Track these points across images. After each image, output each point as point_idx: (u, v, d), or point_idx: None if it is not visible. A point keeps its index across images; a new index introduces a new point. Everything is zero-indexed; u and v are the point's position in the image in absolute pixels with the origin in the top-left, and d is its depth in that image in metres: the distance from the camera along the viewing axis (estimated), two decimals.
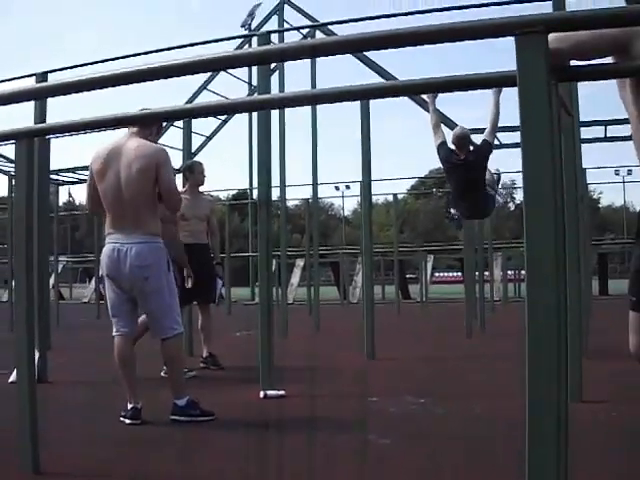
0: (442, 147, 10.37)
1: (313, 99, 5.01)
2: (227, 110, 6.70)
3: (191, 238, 9.69)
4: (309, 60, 17.29)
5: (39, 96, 7.08)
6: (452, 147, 10.46)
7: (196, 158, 17.51)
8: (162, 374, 8.33)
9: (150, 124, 6.60)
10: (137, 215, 6.29)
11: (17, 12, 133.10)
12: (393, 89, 4.10)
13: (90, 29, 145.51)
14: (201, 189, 10.12)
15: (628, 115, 3.52)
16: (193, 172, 9.97)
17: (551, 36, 2.98)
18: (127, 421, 6.20)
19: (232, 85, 18.31)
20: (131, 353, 6.44)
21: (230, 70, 17.28)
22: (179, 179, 9.46)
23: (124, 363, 6.39)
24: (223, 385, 8.50)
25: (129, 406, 6.27)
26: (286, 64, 16.38)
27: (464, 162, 10.18)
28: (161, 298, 6.38)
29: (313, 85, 17.34)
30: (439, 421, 6.33)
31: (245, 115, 20.15)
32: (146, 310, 6.48)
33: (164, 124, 17.50)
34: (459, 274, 47.16)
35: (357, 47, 4.19)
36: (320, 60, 17.15)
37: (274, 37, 14.96)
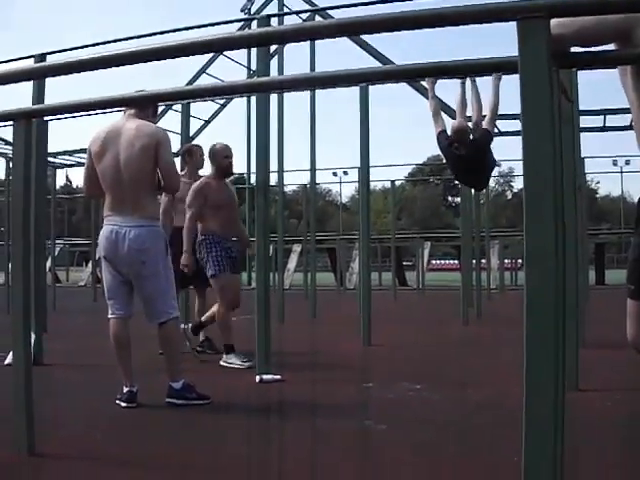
0: (442, 136, 10.37)
1: (312, 82, 4.99)
2: (225, 92, 6.66)
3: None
4: (308, 46, 17.28)
5: (37, 76, 7.05)
6: (451, 136, 10.47)
7: (194, 142, 17.55)
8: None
9: (146, 106, 6.58)
10: (136, 197, 6.26)
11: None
12: (392, 73, 4.08)
13: (90, 21, 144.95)
14: (201, 173, 10.09)
15: (629, 102, 3.51)
16: (192, 155, 9.93)
17: (553, 21, 2.97)
18: (123, 404, 6.19)
19: (231, 69, 18.31)
20: (127, 336, 6.42)
21: (229, 54, 17.31)
22: (178, 162, 9.40)
23: (120, 346, 6.38)
24: (219, 369, 8.49)
25: (124, 389, 6.26)
26: (285, 50, 16.39)
27: (464, 155, 10.21)
28: (157, 282, 6.36)
29: (312, 70, 17.31)
30: (435, 407, 6.33)
31: (243, 100, 20.14)
32: (142, 294, 6.42)
33: (162, 108, 17.54)
34: (456, 262, 47.23)
35: (356, 30, 4.16)
36: (319, 46, 17.16)
37: (274, 21, 14.95)
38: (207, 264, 8.85)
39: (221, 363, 8.60)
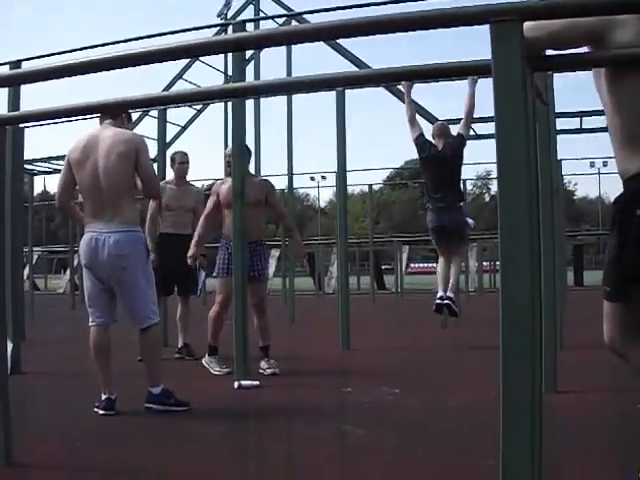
0: (420, 139, 10.50)
1: (288, 87, 5.00)
2: (201, 98, 6.65)
3: (173, 228, 9.83)
4: (284, 52, 17.28)
5: (12, 82, 7.02)
6: (429, 139, 10.57)
7: (171, 148, 17.48)
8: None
9: (118, 113, 6.60)
10: (115, 203, 6.30)
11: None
12: (367, 78, 4.09)
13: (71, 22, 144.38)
14: (189, 179, 10.16)
15: (603, 105, 3.53)
16: (174, 162, 10.00)
17: (527, 24, 2.97)
18: (101, 412, 6.17)
19: (208, 75, 18.28)
20: (107, 343, 6.42)
21: (205, 60, 17.28)
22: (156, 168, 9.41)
23: (99, 353, 6.37)
24: (198, 375, 8.47)
25: (103, 397, 6.24)
26: (261, 56, 16.39)
27: (441, 154, 10.36)
28: (138, 288, 6.38)
29: (289, 75, 17.30)
30: (414, 411, 6.34)
31: (220, 105, 20.07)
32: (123, 299, 6.43)
33: (139, 114, 17.51)
34: (434, 265, 47.29)
35: (331, 34, 4.16)
36: (295, 52, 17.18)
37: (249, 26, 14.92)
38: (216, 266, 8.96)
39: (202, 361, 8.63)
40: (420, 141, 10.53)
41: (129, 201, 6.45)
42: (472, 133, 15.20)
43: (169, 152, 11.57)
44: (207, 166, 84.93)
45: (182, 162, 10.11)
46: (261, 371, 8.35)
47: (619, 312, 3.59)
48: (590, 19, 3.28)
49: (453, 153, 10.49)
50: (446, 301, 10.73)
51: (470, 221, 11.55)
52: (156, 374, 6.50)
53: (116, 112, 6.53)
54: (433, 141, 10.71)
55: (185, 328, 10.17)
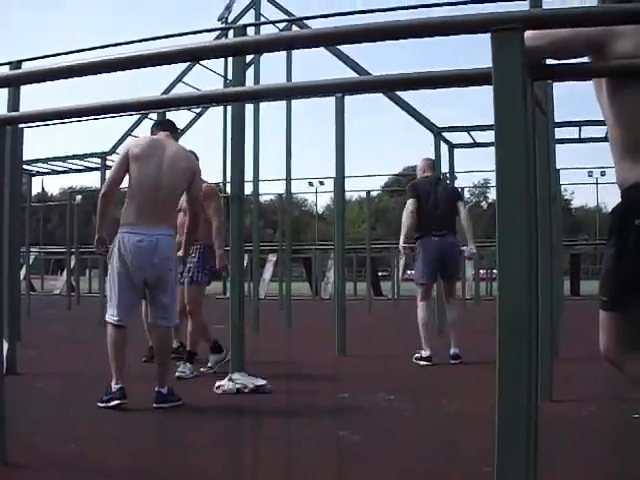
0: (412, 188, 10.39)
1: (287, 92, 5.00)
2: (201, 101, 6.69)
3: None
4: (285, 57, 17.28)
5: (12, 83, 7.02)
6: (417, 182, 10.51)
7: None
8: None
9: (174, 128, 7.31)
10: (168, 209, 6.73)
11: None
12: (368, 84, 4.10)
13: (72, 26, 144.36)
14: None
15: (603, 115, 3.54)
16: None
17: (528, 33, 2.98)
18: (115, 402, 6.31)
19: (207, 78, 18.27)
20: (126, 341, 6.63)
21: (205, 63, 17.27)
22: None
23: (120, 349, 6.56)
24: (194, 378, 8.47)
25: (116, 387, 6.37)
26: (262, 61, 16.34)
27: (434, 179, 10.35)
28: (174, 289, 6.88)
29: (288, 80, 17.29)
30: (409, 418, 6.34)
31: (220, 109, 20.10)
32: (163, 299, 6.70)
33: (138, 116, 17.50)
34: None
35: (332, 40, 4.18)
36: (296, 57, 17.18)
37: (250, 30, 14.93)
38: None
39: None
40: (413, 188, 10.39)
41: (175, 208, 6.98)
42: (470, 141, 15.23)
43: None
44: (205, 169, 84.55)
45: None
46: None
47: (615, 322, 3.60)
48: (591, 29, 3.29)
49: (445, 192, 10.33)
50: (453, 361, 9.80)
51: (470, 249, 10.79)
52: (167, 374, 6.76)
53: (173, 125, 7.25)
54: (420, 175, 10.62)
55: (178, 329, 10.09)
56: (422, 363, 9.72)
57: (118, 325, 6.54)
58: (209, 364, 8.93)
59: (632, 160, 3.38)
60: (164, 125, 7.22)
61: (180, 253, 7.45)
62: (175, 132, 7.28)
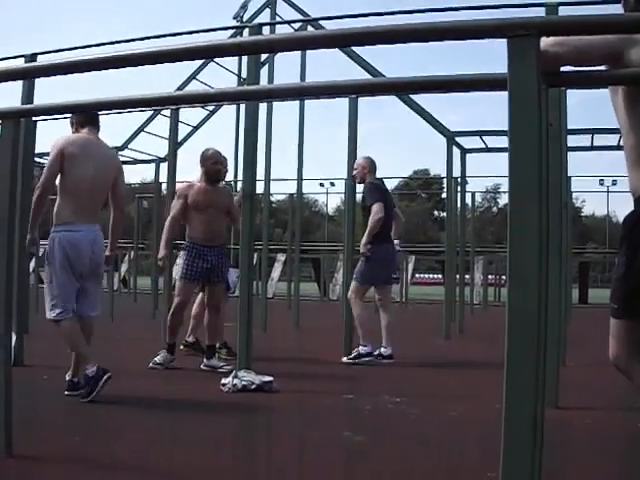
0: (378, 189, 10.40)
1: (301, 92, 5.00)
2: (215, 99, 6.68)
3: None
4: (299, 57, 17.26)
5: (26, 76, 7.03)
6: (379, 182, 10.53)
7: (182, 148, 17.49)
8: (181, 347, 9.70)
9: (98, 126, 7.20)
10: (99, 206, 7.03)
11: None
12: (382, 86, 4.10)
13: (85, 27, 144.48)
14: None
15: (619, 123, 3.54)
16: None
17: (549, 40, 2.99)
18: (101, 382, 6.47)
19: (221, 76, 18.28)
20: (78, 326, 6.86)
21: (220, 61, 17.26)
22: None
23: (77, 336, 6.81)
24: (200, 374, 8.49)
25: (92, 369, 6.52)
26: (276, 60, 16.34)
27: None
28: (101, 281, 7.22)
29: (302, 80, 17.26)
30: (414, 421, 6.33)
31: (233, 107, 20.06)
32: (92, 290, 6.97)
33: (151, 112, 17.51)
34: (439, 276, 47.20)
35: (346, 41, 4.18)
36: (310, 58, 17.14)
37: (265, 30, 14.94)
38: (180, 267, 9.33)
39: (202, 366, 8.84)
40: (378, 189, 10.41)
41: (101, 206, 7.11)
42: (482, 146, 15.21)
43: (180, 151, 11.62)
44: None
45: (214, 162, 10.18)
46: (208, 368, 8.82)
47: (625, 329, 3.60)
48: (610, 37, 3.29)
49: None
50: (387, 360, 9.97)
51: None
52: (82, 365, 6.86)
53: (97, 118, 7.14)
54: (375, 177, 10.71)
55: (199, 326, 10.34)
56: (369, 359, 9.94)
57: (70, 318, 6.74)
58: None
59: None
60: (92, 120, 7.07)
61: (108, 252, 7.53)
62: (98, 124, 7.18)
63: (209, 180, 9.17)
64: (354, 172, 10.51)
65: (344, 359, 9.84)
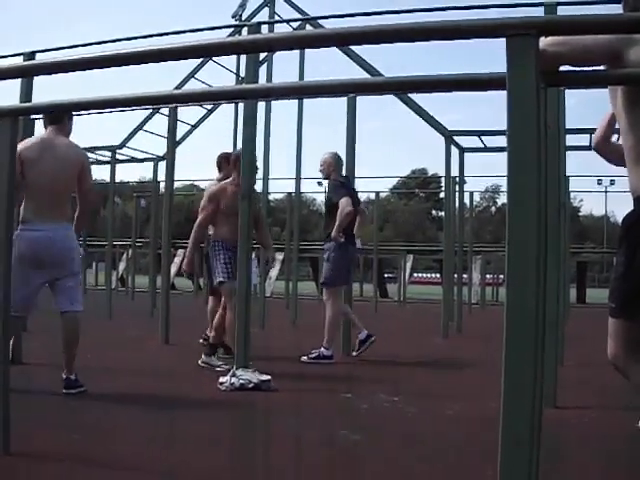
0: (343, 185, 10.36)
1: (300, 91, 5.00)
2: (214, 97, 6.67)
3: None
4: (297, 57, 17.25)
5: (25, 74, 7.02)
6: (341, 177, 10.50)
7: (180, 146, 17.49)
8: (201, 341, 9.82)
9: (65, 122, 7.26)
10: (62, 204, 7.05)
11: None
12: (380, 85, 4.09)
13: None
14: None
15: (618, 123, 3.55)
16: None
17: (548, 39, 3.00)
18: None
19: (220, 75, 18.23)
20: (19, 329, 7.44)
21: (218, 60, 17.25)
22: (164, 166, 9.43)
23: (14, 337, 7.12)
24: (197, 372, 8.49)
25: None
26: (275, 60, 16.34)
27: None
28: (78, 277, 7.18)
29: (301, 79, 17.25)
30: (411, 420, 6.34)
31: (231, 106, 20.05)
32: (66, 283, 6.99)
33: (150, 111, 17.49)
34: (437, 276, 47.23)
35: (345, 41, 4.18)
36: (308, 57, 17.13)
37: (264, 29, 14.95)
38: (215, 270, 8.99)
39: (199, 362, 8.69)
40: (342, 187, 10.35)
41: (69, 204, 7.20)
42: (481, 145, 15.21)
43: (179, 150, 11.63)
44: (214, 166, 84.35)
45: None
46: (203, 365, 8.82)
47: (623, 329, 3.62)
48: (609, 37, 3.31)
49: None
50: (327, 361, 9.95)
51: None
52: (74, 360, 6.98)
53: (61, 117, 7.15)
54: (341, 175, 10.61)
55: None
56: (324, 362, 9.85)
57: (20, 316, 6.89)
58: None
59: None
60: (55, 119, 7.14)
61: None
62: (63, 122, 7.22)
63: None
64: (320, 168, 10.48)
65: (304, 358, 9.77)
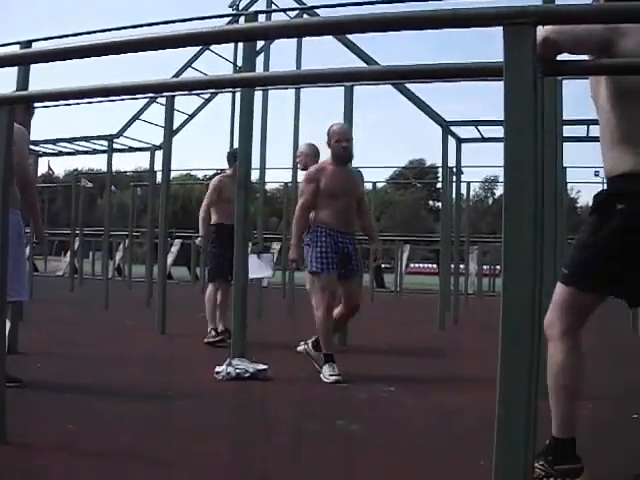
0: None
1: (297, 79, 4.98)
2: (211, 86, 6.64)
3: (230, 219, 9.91)
4: (295, 47, 17.23)
5: (21, 61, 7.01)
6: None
7: (177, 136, 17.49)
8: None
9: (28, 111, 7.33)
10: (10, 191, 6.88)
11: None
12: (378, 74, 4.08)
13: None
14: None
15: (597, 113, 3.67)
16: (235, 159, 10.20)
17: (547, 28, 3.02)
18: None
19: (217, 65, 18.19)
20: None
21: (215, 49, 17.24)
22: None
23: None
24: (193, 362, 8.49)
25: None
26: (272, 50, 16.32)
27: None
28: (25, 265, 7.31)
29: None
30: (408, 409, 6.35)
31: (228, 96, 20.02)
32: (10, 272, 6.81)
33: (147, 100, 17.46)
34: (434, 266, 47.23)
35: (341, 29, 4.17)
36: (306, 47, 17.12)
37: (261, 18, 14.91)
38: (308, 258, 8.20)
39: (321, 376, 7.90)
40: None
41: (16, 190, 6.92)
42: (478, 136, 15.20)
43: (175, 139, 11.65)
44: (211, 155, 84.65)
45: None
46: (324, 379, 7.72)
47: (569, 296, 3.73)
48: (601, 27, 3.36)
49: None
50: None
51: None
52: None
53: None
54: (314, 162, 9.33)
55: (224, 314, 10.44)
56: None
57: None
58: None
59: (622, 151, 3.55)
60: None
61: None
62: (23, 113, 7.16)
63: (337, 162, 8.28)
64: (297, 160, 10.34)
65: (300, 348, 9.39)
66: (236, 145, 8.48)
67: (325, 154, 8.50)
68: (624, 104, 3.60)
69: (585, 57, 3.55)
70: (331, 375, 7.60)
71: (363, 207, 8.60)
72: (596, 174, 33.05)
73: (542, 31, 3.17)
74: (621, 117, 3.62)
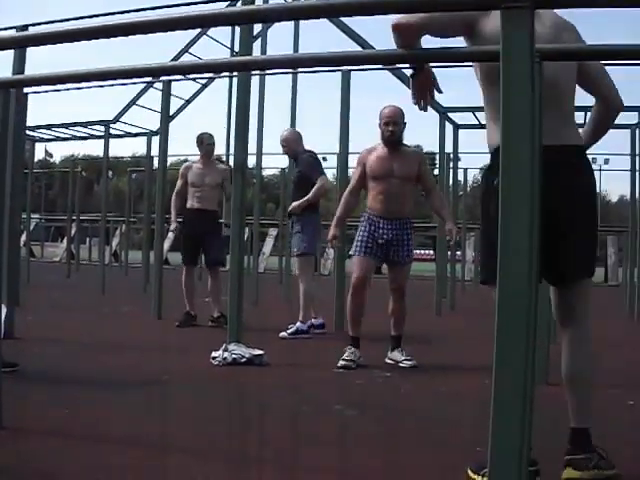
0: (317, 162, 10.35)
1: (293, 63, 4.98)
2: (208, 70, 6.67)
3: (200, 204, 10.67)
4: (292, 32, 17.20)
5: (18, 45, 6.99)
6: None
7: (174, 121, 17.45)
8: None
9: None
10: None
11: None
12: (375, 58, 4.08)
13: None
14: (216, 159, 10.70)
15: (479, 79, 3.94)
16: (202, 143, 10.90)
17: (402, 15, 3.17)
18: None
19: (214, 50, 18.14)
20: None
21: (212, 34, 17.21)
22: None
23: None
24: (190, 347, 8.49)
25: None
26: (268, 36, 16.26)
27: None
28: None
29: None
30: (404, 395, 6.36)
31: (225, 81, 19.98)
32: None
33: (144, 85, 17.42)
34: (431, 252, 47.20)
35: (340, 12, 4.14)
36: (303, 33, 17.09)
37: (259, 1, 14.86)
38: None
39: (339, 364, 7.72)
40: None
41: None
42: (475, 122, 15.19)
43: (172, 125, 11.68)
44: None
45: (209, 143, 10.97)
46: (391, 362, 7.94)
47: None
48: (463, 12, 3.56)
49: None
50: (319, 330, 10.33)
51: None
52: None
53: None
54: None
55: (217, 299, 10.67)
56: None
57: None
58: None
59: (496, 126, 3.62)
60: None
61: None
62: None
63: (385, 144, 8.00)
64: (284, 149, 10.49)
65: (283, 334, 9.72)
66: (233, 137, 8.41)
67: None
68: (489, 84, 3.79)
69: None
70: (342, 360, 7.64)
71: (427, 186, 8.28)
72: (593, 161, 33.06)
73: (404, 18, 3.45)
74: (489, 96, 3.85)
